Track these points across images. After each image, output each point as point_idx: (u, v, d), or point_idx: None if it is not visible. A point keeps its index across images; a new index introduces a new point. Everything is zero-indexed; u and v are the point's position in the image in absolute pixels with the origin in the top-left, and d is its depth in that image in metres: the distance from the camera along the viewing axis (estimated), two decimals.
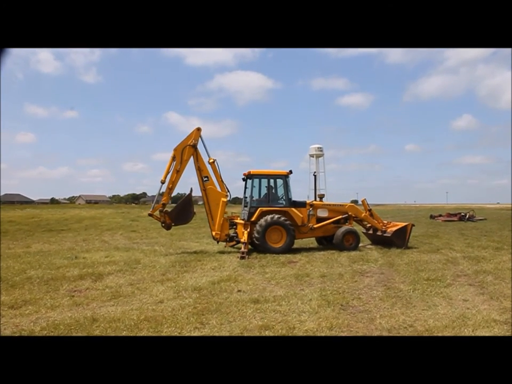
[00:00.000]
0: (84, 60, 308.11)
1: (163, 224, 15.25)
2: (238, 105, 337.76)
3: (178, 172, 15.08)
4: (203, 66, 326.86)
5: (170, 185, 15.08)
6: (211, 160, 15.48)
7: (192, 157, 15.32)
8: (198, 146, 15.42)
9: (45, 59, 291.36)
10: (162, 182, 14.99)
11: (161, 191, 15.34)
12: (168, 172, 15.04)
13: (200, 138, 15.44)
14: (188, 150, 15.16)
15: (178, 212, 15.49)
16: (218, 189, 15.48)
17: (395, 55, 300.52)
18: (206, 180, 15.37)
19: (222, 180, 15.59)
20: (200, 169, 15.34)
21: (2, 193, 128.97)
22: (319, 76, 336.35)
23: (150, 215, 15.39)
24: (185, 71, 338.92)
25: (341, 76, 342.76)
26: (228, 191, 15.64)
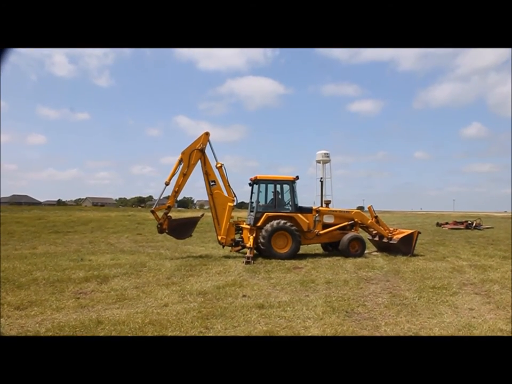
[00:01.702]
0: (97, 63, 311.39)
1: (158, 226, 15.09)
2: (248, 110, 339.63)
3: (185, 176, 15.03)
4: (215, 71, 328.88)
5: (177, 189, 15.04)
6: (218, 165, 15.49)
7: (199, 161, 15.31)
8: (206, 151, 15.43)
9: (59, 62, 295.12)
10: (167, 184, 14.92)
11: (164, 193, 15.30)
12: (173, 175, 14.98)
13: (208, 143, 15.44)
14: (196, 154, 15.13)
15: (179, 225, 15.51)
16: (225, 194, 15.48)
17: (406, 62, 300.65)
18: (213, 185, 15.36)
19: (229, 185, 15.59)
20: (207, 174, 15.32)
21: (10, 195, 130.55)
22: (330, 82, 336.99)
23: (152, 211, 15.23)
24: (197, 75, 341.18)
25: (352, 82, 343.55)
26: (235, 195, 15.66)
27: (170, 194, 15.35)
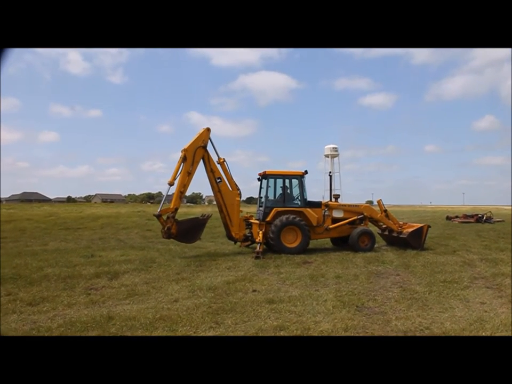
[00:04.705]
0: (111, 60, 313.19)
1: (166, 230, 13.82)
2: (260, 105, 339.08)
3: (190, 174, 14.26)
4: (228, 67, 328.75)
5: (182, 189, 14.19)
6: (221, 160, 15.04)
7: (202, 158, 14.66)
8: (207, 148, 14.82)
9: (74, 60, 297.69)
10: (171, 184, 13.96)
11: (169, 192, 14.41)
12: (176, 174, 14.07)
13: (209, 139, 14.82)
14: (200, 151, 14.46)
15: (189, 228, 14.40)
16: (230, 189, 15.17)
17: (420, 55, 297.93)
18: (219, 181, 14.88)
19: (231, 178, 15.20)
20: (212, 171, 14.74)
21: (20, 192, 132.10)
22: (343, 76, 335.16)
23: (157, 216, 13.90)
24: (210, 71, 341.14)
25: (365, 75, 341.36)
26: (238, 189, 15.37)
27: (174, 194, 14.28)
